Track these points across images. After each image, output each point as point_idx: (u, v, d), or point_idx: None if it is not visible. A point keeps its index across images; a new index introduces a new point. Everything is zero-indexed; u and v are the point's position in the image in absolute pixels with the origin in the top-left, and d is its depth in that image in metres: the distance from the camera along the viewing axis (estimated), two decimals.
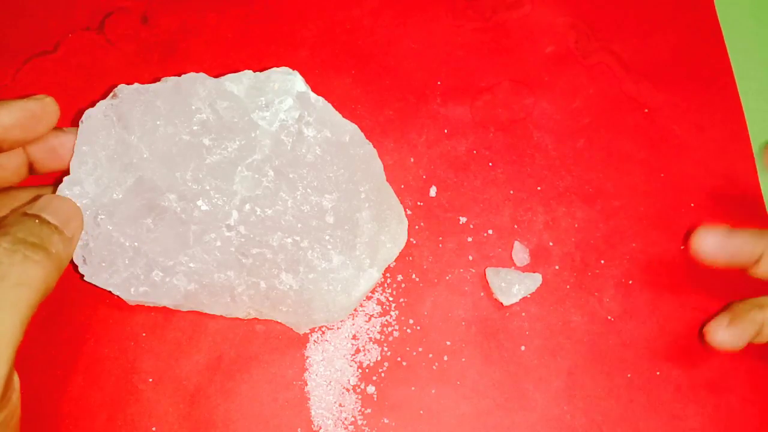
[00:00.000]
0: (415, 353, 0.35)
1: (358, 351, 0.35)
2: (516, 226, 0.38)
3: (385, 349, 0.35)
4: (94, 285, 0.32)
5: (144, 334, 0.35)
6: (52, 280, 0.27)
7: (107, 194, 0.32)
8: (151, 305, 0.34)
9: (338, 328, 0.36)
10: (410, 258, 0.37)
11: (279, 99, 0.33)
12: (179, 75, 0.33)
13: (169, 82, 0.33)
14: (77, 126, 0.32)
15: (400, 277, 0.37)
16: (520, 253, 0.37)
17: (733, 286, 0.37)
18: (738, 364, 0.35)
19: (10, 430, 0.27)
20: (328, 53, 0.42)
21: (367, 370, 0.35)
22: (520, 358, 0.35)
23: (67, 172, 0.32)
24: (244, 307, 0.34)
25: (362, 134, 0.35)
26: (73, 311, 0.36)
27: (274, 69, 0.34)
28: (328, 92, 0.35)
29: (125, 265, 0.32)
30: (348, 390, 0.35)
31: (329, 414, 0.34)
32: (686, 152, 0.40)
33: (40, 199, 0.30)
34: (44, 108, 0.30)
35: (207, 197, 0.32)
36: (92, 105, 0.33)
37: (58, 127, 0.32)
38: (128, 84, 0.33)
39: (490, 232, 0.38)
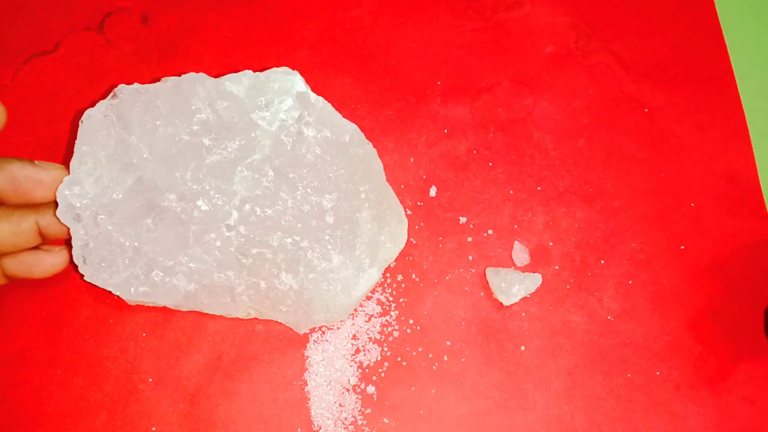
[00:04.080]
0: (415, 353, 0.35)
1: (358, 351, 0.35)
2: (516, 226, 0.38)
3: (385, 349, 0.35)
4: (94, 285, 0.32)
5: (144, 334, 0.35)
6: None
7: (107, 194, 0.32)
8: (151, 305, 0.34)
9: (338, 328, 0.36)
10: (410, 258, 0.37)
11: (279, 99, 0.33)
12: (179, 75, 0.33)
13: (169, 82, 0.33)
14: (77, 126, 0.32)
15: (400, 277, 0.37)
16: (520, 253, 0.37)
17: (733, 286, 0.37)
18: (738, 364, 0.35)
19: None
20: (328, 53, 0.42)
21: (367, 370, 0.35)
22: (520, 358, 0.35)
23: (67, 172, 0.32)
24: (244, 307, 0.34)
25: (362, 134, 0.35)
26: (73, 311, 0.36)
27: (274, 69, 0.34)
28: (328, 92, 0.35)
29: (125, 265, 0.32)
30: (348, 390, 0.35)
31: (329, 414, 0.34)
32: (686, 152, 0.40)
33: None
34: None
35: (207, 197, 0.32)
36: (92, 105, 0.32)
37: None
38: (128, 84, 0.33)
39: (490, 232, 0.38)
